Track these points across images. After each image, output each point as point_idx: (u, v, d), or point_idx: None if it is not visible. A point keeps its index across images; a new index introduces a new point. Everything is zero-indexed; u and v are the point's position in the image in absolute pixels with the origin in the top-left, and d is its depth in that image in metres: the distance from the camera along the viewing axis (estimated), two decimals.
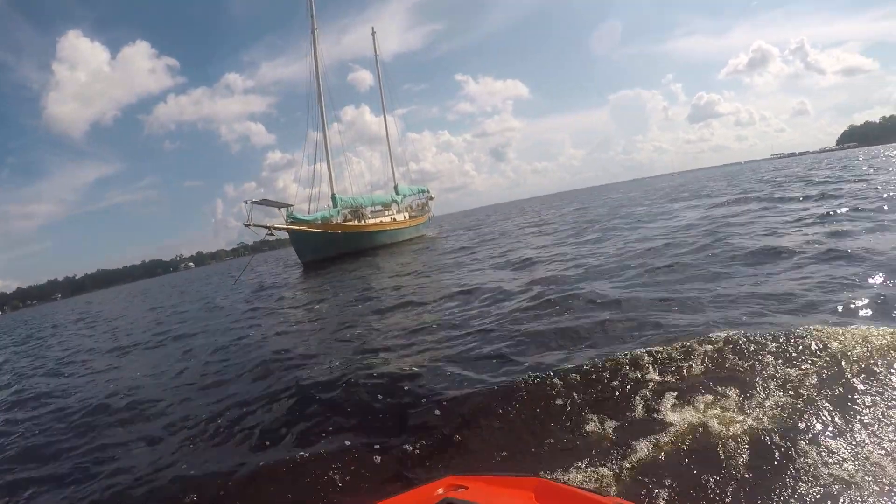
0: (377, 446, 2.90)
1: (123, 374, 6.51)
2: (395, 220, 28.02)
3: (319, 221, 22.10)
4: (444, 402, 3.25)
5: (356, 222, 24.40)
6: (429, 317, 6.17)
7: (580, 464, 2.36)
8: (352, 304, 8.36)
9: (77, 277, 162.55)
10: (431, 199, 36.09)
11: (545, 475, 2.16)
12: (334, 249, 22.14)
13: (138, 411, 4.52)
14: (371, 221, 25.57)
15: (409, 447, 2.82)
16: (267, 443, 3.26)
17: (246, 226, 18.35)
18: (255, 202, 18.99)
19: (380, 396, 3.57)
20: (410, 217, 30.74)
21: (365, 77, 34.99)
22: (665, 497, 2.07)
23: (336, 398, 3.68)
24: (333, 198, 24.08)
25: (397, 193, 30.88)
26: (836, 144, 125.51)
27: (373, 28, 33.52)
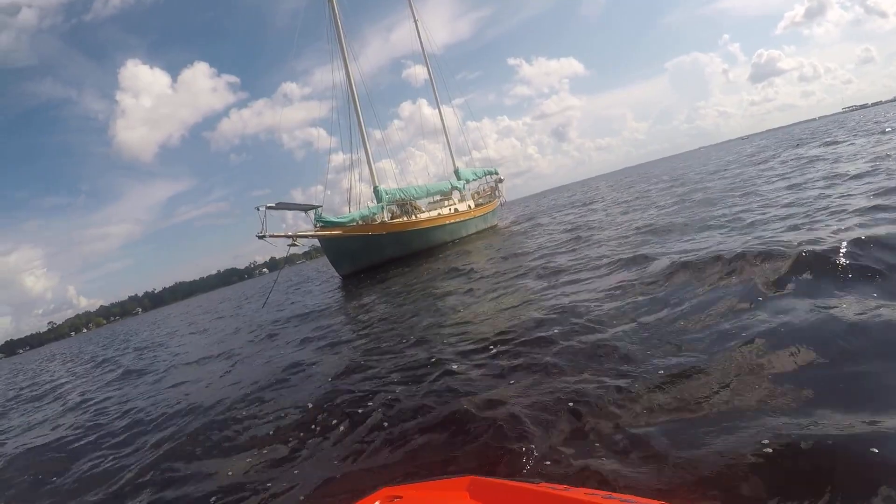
0: None
1: None
2: (456, 210, 22.85)
3: (358, 222, 17.50)
4: None
5: (405, 219, 19.56)
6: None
7: None
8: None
9: (156, 291, 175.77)
10: (501, 181, 30.33)
11: None
12: (378, 255, 17.40)
13: None
14: (425, 216, 20.60)
15: None
16: None
17: (260, 237, 14.07)
18: (271, 207, 14.52)
19: None
20: (477, 205, 25.38)
21: (419, 71, 30.93)
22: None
23: None
24: (376, 190, 19.30)
25: (458, 178, 25.65)
26: None
27: (416, 19, 28.79)
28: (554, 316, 4.38)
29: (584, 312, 4.27)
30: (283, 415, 3.81)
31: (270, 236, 14.16)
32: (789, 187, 9.03)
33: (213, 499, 2.78)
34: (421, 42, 28.92)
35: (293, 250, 15.74)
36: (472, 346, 4.22)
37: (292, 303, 13.96)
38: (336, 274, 17.73)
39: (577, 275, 6.12)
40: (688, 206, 10.11)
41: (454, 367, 3.73)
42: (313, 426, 3.39)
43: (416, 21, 28.86)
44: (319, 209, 16.32)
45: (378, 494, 1.46)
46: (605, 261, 6.42)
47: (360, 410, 3.40)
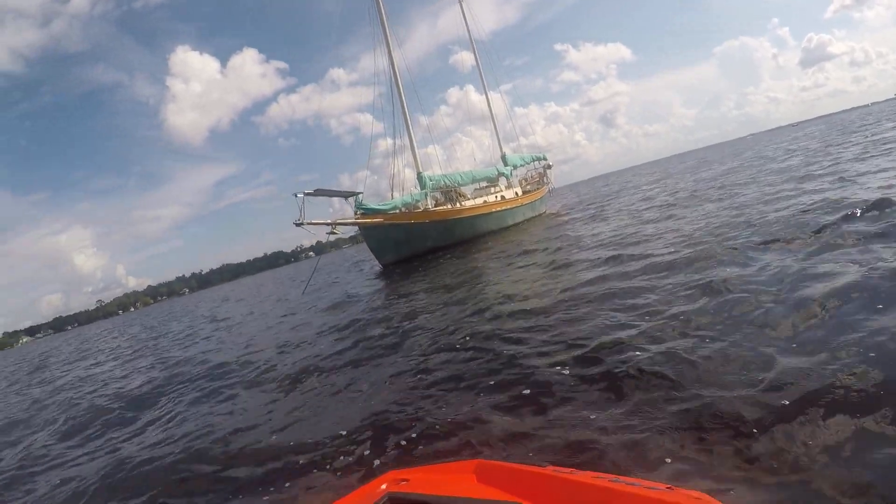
0: None
1: None
2: (503, 197, 21.74)
3: (400, 209, 16.78)
4: None
5: (449, 206, 18.68)
6: None
7: None
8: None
9: (203, 273, 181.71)
10: (550, 167, 28.91)
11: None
12: (421, 244, 16.70)
13: None
14: (470, 203, 19.64)
15: None
16: None
17: (297, 225, 13.60)
18: (309, 193, 14.00)
19: None
20: (524, 192, 24.15)
21: (466, 57, 29.95)
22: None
23: None
24: (419, 177, 18.49)
25: (505, 164, 24.46)
26: None
27: (461, 4, 27.60)
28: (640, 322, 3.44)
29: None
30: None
31: (308, 223, 13.66)
32: None
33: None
34: (468, 27, 27.93)
35: (335, 237, 15.22)
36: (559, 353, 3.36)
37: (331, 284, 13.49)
38: (377, 263, 17.12)
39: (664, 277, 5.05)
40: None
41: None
42: None
43: (462, 6, 27.83)
44: (360, 196, 15.70)
45: (385, 477, 1.46)
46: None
47: None
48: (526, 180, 26.75)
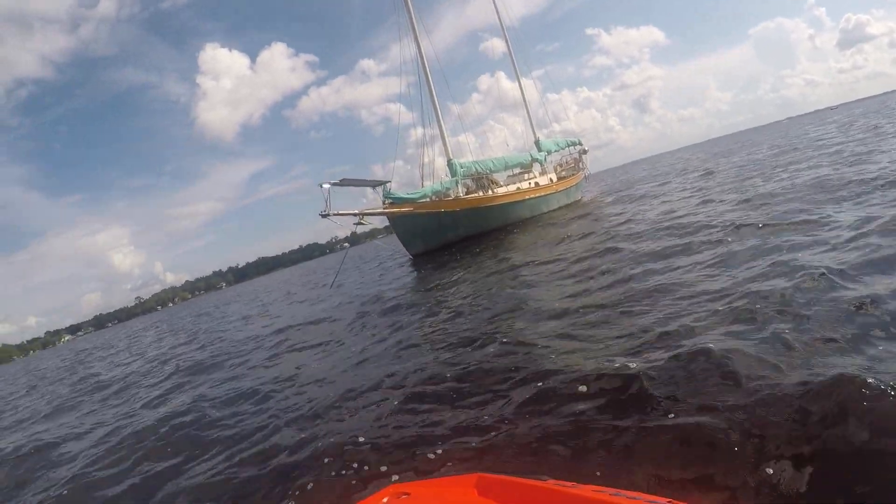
0: None
1: None
2: (537, 184, 20.77)
3: (430, 198, 16.11)
4: None
5: (481, 194, 17.88)
6: None
7: None
8: None
9: (240, 266, 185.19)
10: (585, 152, 27.69)
11: None
12: (453, 233, 16.01)
13: None
14: (503, 190, 18.79)
15: None
16: None
17: (323, 216, 13.08)
18: (335, 184, 13.47)
19: None
20: (559, 178, 23.09)
21: (496, 44, 29.05)
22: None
23: None
24: (450, 164, 17.75)
25: (539, 150, 23.41)
26: None
27: None
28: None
29: None
30: None
31: (335, 214, 13.12)
32: None
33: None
34: (498, 13, 26.90)
35: (368, 227, 14.66)
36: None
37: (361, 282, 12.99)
38: (406, 253, 16.55)
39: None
40: None
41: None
42: None
43: None
44: (388, 185, 15.12)
45: (386, 491, 1.44)
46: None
47: None
48: (561, 166, 25.67)
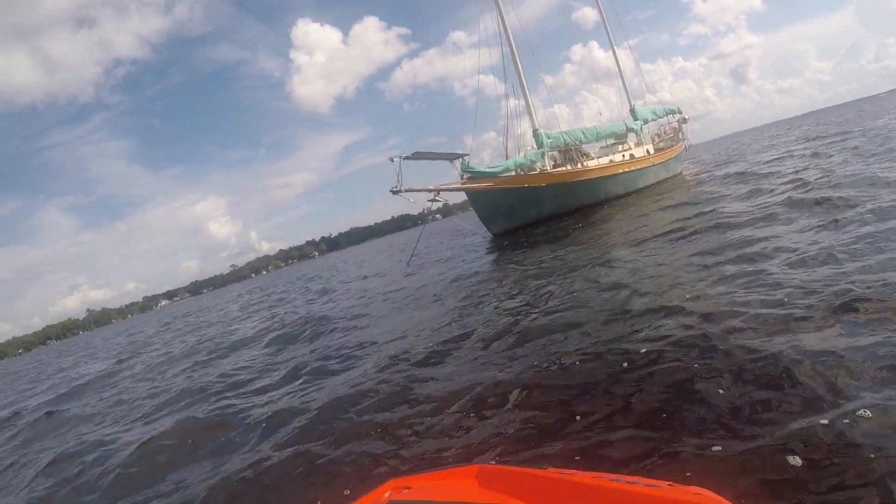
0: None
1: None
2: (632, 156, 18.75)
3: (513, 172, 14.95)
4: None
5: (569, 167, 16.37)
6: None
7: None
8: None
9: (332, 236, 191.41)
10: (686, 120, 24.85)
11: None
12: (536, 211, 14.83)
13: None
14: (594, 163, 17.10)
15: None
16: None
17: (394, 192, 12.41)
18: (407, 157, 12.63)
19: None
20: (657, 150, 20.76)
21: (588, 14, 26.86)
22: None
23: None
24: (536, 134, 16.37)
25: (635, 119, 21.13)
26: None
27: None
28: None
29: None
30: None
31: (407, 191, 12.41)
32: None
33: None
34: None
35: (444, 203, 13.84)
36: None
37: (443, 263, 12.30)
38: (487, 232, 15.61)
39: None
40: None
41: None
42: None
43: None
44: (466, 158, 14.19)
45: (387, 486, 1.41)
46: None
47: None
48: (658, 136, 23.23)
